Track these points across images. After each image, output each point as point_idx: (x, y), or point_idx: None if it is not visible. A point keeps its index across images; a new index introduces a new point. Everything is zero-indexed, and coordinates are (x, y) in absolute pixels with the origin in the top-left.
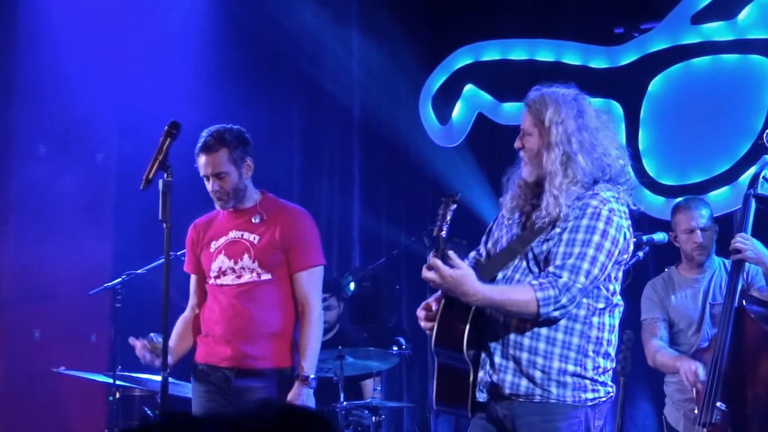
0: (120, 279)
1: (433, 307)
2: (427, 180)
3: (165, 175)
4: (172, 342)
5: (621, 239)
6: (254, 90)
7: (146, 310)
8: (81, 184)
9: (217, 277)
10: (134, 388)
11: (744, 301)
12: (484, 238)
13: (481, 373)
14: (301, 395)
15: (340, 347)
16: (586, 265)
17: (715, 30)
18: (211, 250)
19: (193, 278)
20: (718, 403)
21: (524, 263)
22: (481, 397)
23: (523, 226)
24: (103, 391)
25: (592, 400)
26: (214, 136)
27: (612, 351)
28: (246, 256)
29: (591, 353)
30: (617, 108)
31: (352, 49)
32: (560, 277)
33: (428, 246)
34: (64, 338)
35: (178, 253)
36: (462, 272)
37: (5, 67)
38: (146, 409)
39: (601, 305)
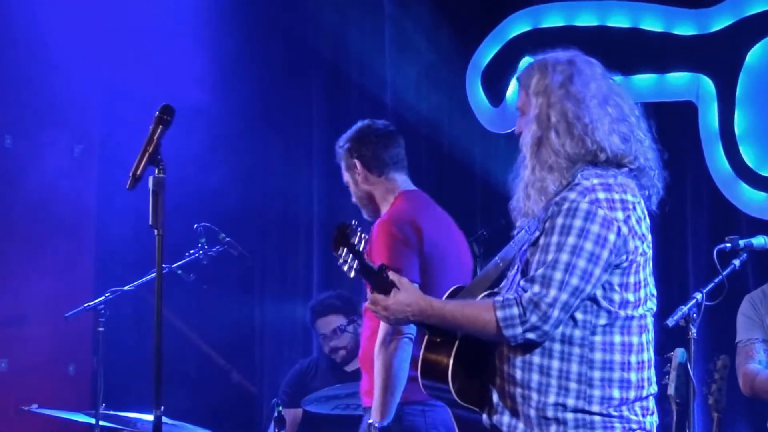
0: (103, 297)
1: None
2: (476, 174)
3: (156, 171)
4: None
5: (612, 236)
6: (266, 71)
7: (135, 334)
8: (55, 182)
9: None
10: (121, 430)
11: None
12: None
13: (484, 416)
14: None
15: None
16: (558, 275)
17: None
18: None
19: None
20: None
21: (518, 276)
22: None
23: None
24: None
25: None
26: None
27: (635, 376)
28: None
29: (598, 382)
30: (708, 84)
31: (383, 18)
32: (526, 291)
33: (477, 254)
34: (36, 370)
35: (173, 266)
36: (401, 295)
37: None
38: None
39: (602, 321)
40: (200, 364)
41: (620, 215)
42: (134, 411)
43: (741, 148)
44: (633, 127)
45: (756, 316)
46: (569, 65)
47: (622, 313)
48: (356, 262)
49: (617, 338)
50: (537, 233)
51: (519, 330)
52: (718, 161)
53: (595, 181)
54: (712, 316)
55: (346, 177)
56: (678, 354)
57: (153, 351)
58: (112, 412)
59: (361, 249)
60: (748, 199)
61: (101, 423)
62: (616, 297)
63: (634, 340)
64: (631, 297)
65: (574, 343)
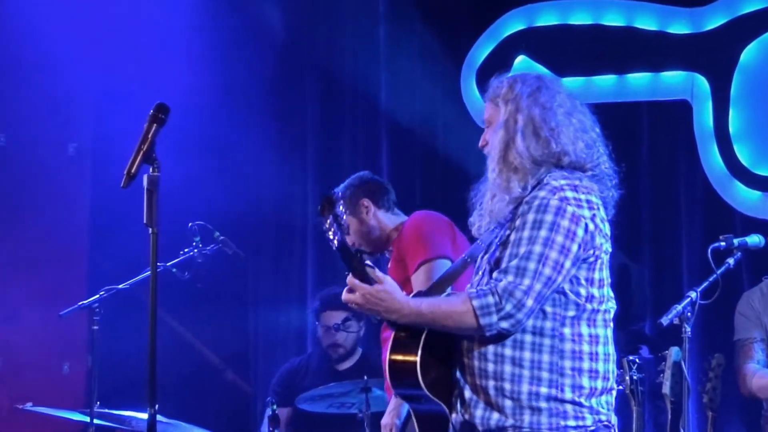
0: (97, 296)
1: None
2: (470, 173)
3: (151, 170)
4: None
5: (580, 232)
6: (260, 73)
7: (129, 333)
8: (49, 180)
9: None
10: (116, 428)
11: None
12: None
13: (453, 415)
14: None
15: (365, 377)
16: (532, 265)
17: None
18: None
19: None
20: None
21: (485, 278)
22: None
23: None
24: None
25: (574, 428)
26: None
27: (602, 367)
28: None
29: (569, 371)
30: (702, 82)
31: (377, 18)
32: (500, 281)
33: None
34: (31, 368)
35: (168, 264)
36: (382, 286)
37: None
38: None
39: (571, 313)
40: (194, 363)
41: (587, 213)
42: (129, 409)
43: (735, 147)
44: (596, 139)
45: (753, 314)
46: (537, 80)
47: (588, 306)
48: (339, 234)
49: (585, 329)
50: (507, 232)
51: (495, 318)
52: (712, 160)
53: (563, 182)
54: (707, 315)
55: (345, 221)
56: (672, 352)
57: (147, 349)
58: (106, 411)
59: (342, 222)
60: (743, 197)
61: (96, 421)
62: (583, 291)
63: (600, 332)
64: (596, 292)
65: (545, 334)
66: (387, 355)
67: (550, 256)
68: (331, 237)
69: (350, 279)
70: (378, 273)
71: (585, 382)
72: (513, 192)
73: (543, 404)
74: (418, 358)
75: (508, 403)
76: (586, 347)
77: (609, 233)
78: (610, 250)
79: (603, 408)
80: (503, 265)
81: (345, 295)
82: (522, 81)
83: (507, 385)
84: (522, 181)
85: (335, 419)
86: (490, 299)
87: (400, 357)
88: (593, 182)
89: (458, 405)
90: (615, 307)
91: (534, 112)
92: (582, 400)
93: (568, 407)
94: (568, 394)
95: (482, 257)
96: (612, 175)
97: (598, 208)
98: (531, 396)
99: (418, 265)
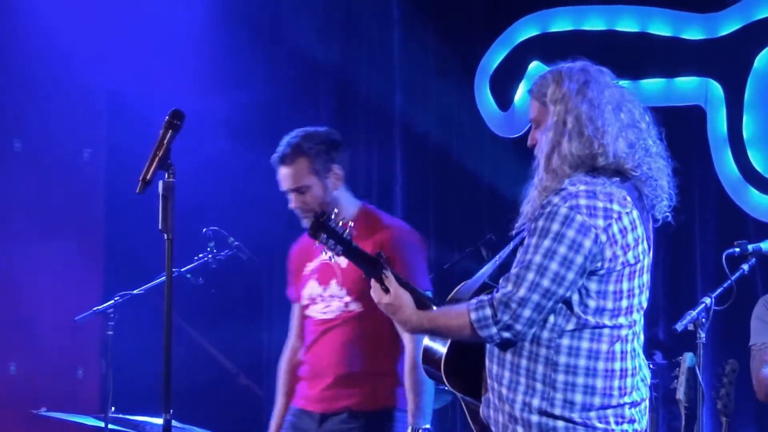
0: (112, 301)
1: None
2: (484, 178)
3: (166, 176)
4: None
5: (587, 243)
6: (274, 79)
7: (144, 338)
8: (64, 185)
9: (307, 306)
10: None
11: None
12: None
13: (482, 408)
14: None
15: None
16: (530, 275)
17: None
18: (305, 273)
19: (293, 307)
20: None
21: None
22: None
23: None
24: None
25: None
26: (292, 144)
27: (601, 383)
28: (333, 282)
29: (560, 384)
30: (716, 88)
31: (391, 24)
32: (499, 290)
33: (486, 258)
34: (45, 373)
35: (182, 270)
36: (391, 298)
37: None
38: None
39: (570, 327)
40: (208, 368)
41: (601, 222)
42: (143, 414)
43: (749, 153)
44: (642, 133)
45: None
46: (583, 73)
47: (592, 320)
48: (339, 246)
49: (585, 344)
50: (525, 234)
51: (494, 330)
52: (726, 165)
53: (582, 187)
54: (721, 321)
55: (309, 181)
56: (687, 358)
57: (162, 355)
58: (121, 416)
59: (346, 233)
60: (757, 203)
61: (110, 426)
62: (592, 303)
63: (603, 347)
64: (609, 305)
65: (541, 344)
66: (423, 345)
67: (550, 267)
68: (331, 255)
69: (376, 284)
70: (391, 282)
71: (577, 397)
72: (546, 195)
73: (534, 418)
74: (444, 354)
75: (506, 408)
76: (582, 362)
77: (635, 242)
78: (636, 261)
79: (605, 423)
80: (511, 271)
81: (375, 294)
82: (568, 77)
83: (504, 391)
84: (557, 184)
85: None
86: (488, 311)
87: (431, 347)
88: (624, 187)
89: (482, 400)
90: (639, 321)
91: (582, 110)
92: (574, 416)
93: (559, 423)
94: (557, 410)
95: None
96: (655, 176)
97: (619, 217)
98: (524, 407)
99: None
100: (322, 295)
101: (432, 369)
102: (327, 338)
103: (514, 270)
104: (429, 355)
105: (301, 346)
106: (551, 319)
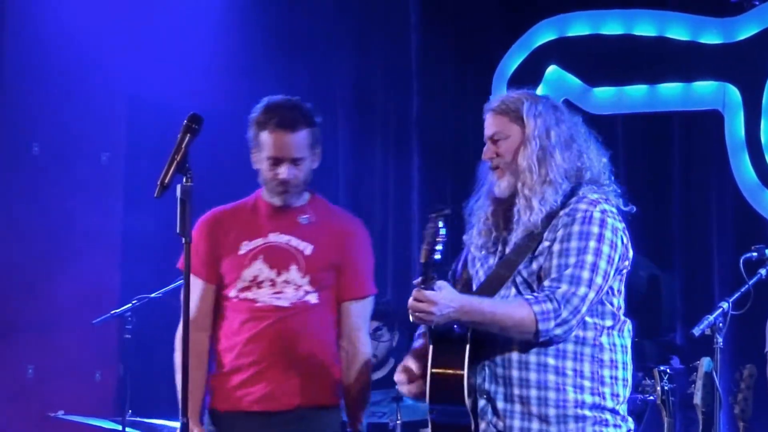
0: (130, 305)
1: (413, 367)
2: None
3: (184, 180)
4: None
5: (619, 243)
6: (291, 84)
7: (161, 341)
8: (82, 189)
9: (248, 288)
10: None
11: None
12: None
13: (483, 425)
14: None
15: (396, 386)
16: (586, 274)
17: None
18: (241, 252)
19: (201, 287)
20: None
21: (513, 290)
22: None
23: (503, 252)
24: None
25: None
26: (298, 110)
27: (629, 376)
28: (294, 268)
29: (608, 379)
30: (734, 93)
31: (408, 25)
32: (557, 289)
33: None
34: (62, 376)
35: None
36: (443, 290)
37: None
38: None
39: (608, 323)
40: None
41: (620, 225)
42: (161, 418)
43: (767, 157)
44: (601, 155)
45: None
46: (548, 98)
47: (620, 316)
48: (437, 250)
49: (617, 340)
50: (546, 243)
51: (552, 324)
52: (744, 170)
53: (596, 195)
54: (739, 326)
55: (306, 153)
56: (704, 363)
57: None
58: (138, 419)
59: (439, 237)
60: None
61: (128, 429)
62: (615, 301)
63: (626, 342)
64: (622, 303)
65: (586, 344)
66: (429, 373)
67: (600, 265)
68: (426, 247)
69: (421, 292)
70: (439, 282)
71: (620, 390)
72: (549, 204)
73: (588, 412)
74: (465, 374)
75: (552, 412)
76: (620, 356)
77: None
78: None
79: (628, 416)
80: (554, 275)
81: (415, 305)
82: (536, 100)
83: (552, 394)
84: (555, 194)
85: (366, 428)
86: (550, 305)
87: (442, 373)
88: (613, 196)
89: (489, 415)
90: None
91: (561, 130)
92: (619, 408)
93: (608, 415)
94: (609, 403)
95: (488, 267)
96: (618, 191)
97: (625, 221)
98: (577, 404)
99: (369, 295)
100: (273, 279)
101: (441, 402)
102: (276, 328)
103: (566, 272)
104: (439, 388)
105: (210, 331)
106: (589, 319)
